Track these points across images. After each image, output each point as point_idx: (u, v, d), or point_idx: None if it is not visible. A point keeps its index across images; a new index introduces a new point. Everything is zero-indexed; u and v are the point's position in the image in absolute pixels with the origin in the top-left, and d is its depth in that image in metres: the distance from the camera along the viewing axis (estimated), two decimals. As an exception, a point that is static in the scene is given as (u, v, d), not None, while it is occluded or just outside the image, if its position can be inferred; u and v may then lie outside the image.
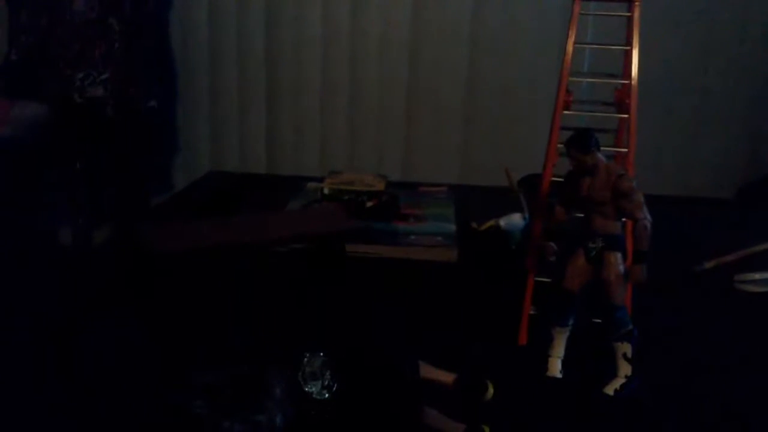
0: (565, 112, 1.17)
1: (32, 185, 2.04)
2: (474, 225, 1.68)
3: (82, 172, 2.16)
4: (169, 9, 2.45)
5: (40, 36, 2.20)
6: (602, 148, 1.07)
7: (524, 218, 1.55)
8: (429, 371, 1.01)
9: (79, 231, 2.02)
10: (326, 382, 0.91)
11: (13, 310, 1.19)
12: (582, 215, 1.08)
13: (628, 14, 1.17)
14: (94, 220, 2.02)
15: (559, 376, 1.05)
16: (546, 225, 1.12)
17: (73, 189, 2.14)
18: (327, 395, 0.91)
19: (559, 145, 1.12)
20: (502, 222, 1.58)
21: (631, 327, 1.02)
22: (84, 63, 2.17)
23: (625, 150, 1.16)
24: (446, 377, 1.00)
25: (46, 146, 2.06)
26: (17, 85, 2.17)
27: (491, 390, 0.98)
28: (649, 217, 1.00)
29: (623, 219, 1.05)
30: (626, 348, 1.02)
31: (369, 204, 1.76)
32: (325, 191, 1.82)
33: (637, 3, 1.15)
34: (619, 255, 1.02)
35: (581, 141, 1.03)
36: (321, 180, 1.90)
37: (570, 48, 1.18)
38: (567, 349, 1.08)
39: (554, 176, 1.17)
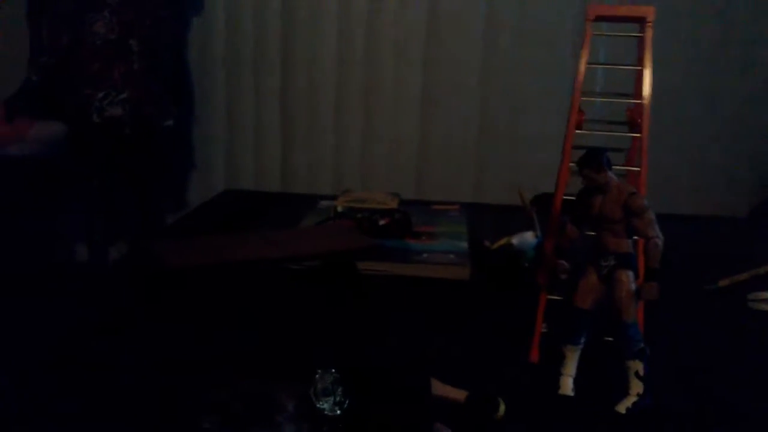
0: (578, 131, 1.18)
1: (50, 202, 2.08)
2: (487, 243, 1.68)
3: (100, 189, 2.19)
4: (187, 30, 2.49)
5: (60, 57, 2.25)
6: (614, 167, 1.07)
7: (537, 236, 1.56)
8: (440, 388, 1.01)
9: (95, 247, 2.05)
10: (338, 399, 0.91)
11: (28, 326, 1.21)
12: (594, 233, 1.08)
13: (640, 35, 1.18)
14: (110, 236, 2.04)
15: (571, 394, 1.05)
16: (558, 243, 1.13)
17: (91, 206, 2.17)
18: (339, 412, 0.91)
19: (571, 164, 1.13)
20: (515, 240, 1.59)
21: (642, 345, 1.02)
22: (103, 83, 2.22)
23: (637, 169, 1.16)
24: (458, 394, 1.00)
25: (64, 164, 2.10)
26: (37, 104, 2.22)
27: (503, 408, 0.97)
28: (660, 235, 1.00)
29: (635, 237, 1.05)
30: (638, 366, 1.02)
31: (382, 222, 1.77)
32: (339, 209, 1.84)
33: (649, 24, 1.16)
34: (630, 273, 1.02)
35: (593, 160, 1.04)
36: (334, 198, 1.92)
37: (582, 68, 1.19)
38: (579, 367, 1.07)
39: (566, 195, 1.17)
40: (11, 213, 1.91)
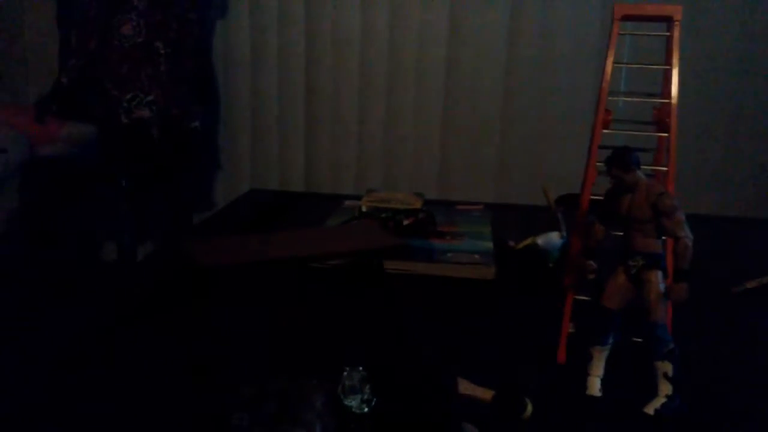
0: (604, 131, 1.18)
1: (80, 201, 2.11)
2: (511, 243, 1.68)
3: (128, 190, 2.22)
4: (212, 33, 2.53)
5: (89, 60, 2.29)
6: (642, 167, 1.07)
7: (562, 237, 1.55)
8: (467, 387, 1.01)
9: (124, 246, 2.08)
10: (365, 397, 0.92)
11: (58, 325, 1.23)
12: (622, 233, 1.08)
13: (667, 34, 1.17)
14: (139, 236, 2.07)
15: (599, 395, 1.04)
16: (585, 243, 1.12)
17: (119, 206, 2.21)
18: (366, 409, 0.92)
19: (598, 164, 1.13)
20: (540, 240, 1.58)
21: (672, 346, 1.01)
22: (131, 85, 2.26)
23: (665, 168, 1.15)
24: (485, 394, 1.01)
25: (93, 164, 2.13)
26: (67, 106, 2.26)
27: (530, 408, 0.97)
28: (690, 235, 1.00)
29: (664, 237, 1.04)
30: (667, 367, 1.01)
31: (406, 222, 1.77)
32: (363, 209, 1.84)
33: (676, 22, 1.15)
34: (659, 273, 1.02)
35: (622, 159, 1.03)
36: (358, 198, 1.93)
37: (609, 68, 1.18)
38: (606, 368, 1.07)
39: (593, 195, 1.17)
40: (42, 212, 1.95)
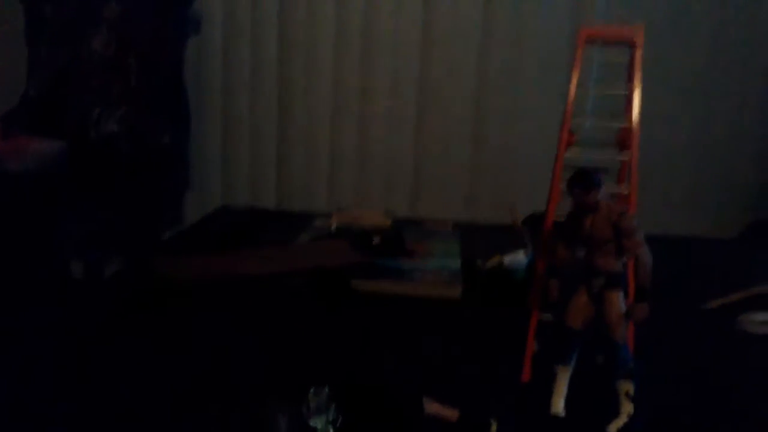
0: (568, 153, 1.20)
1: (46, 218, 2.08)
2: (478, 262, 1.69)
3: (96, 205, 2.19)
4: (183, 49, 2.51)
5: (58, 73, 2.25)
6: (604, 188, 1.09)
7: (528, 256, 1.57)
8: (433, 407, 1.02)
9: (91, 263, 2.05)
10: (331, 417, 0.92)
11: (26, 339, 1.21)
12: (584, 254, 1.09)
13: (628, 59, 1.20)
14: (106, 252, 2.04)
15: (562, 414, 1.06)
16: (549, 263, 1.14)
17: (86, 222, 2.17)
18: (331, 430, 0.91)
19: (563, 185, 1.15)
20: (506, 259, 1.60)
21: (632, 365, 1.03)
22: (100, 99, 2.23)
23: (627, 190, 1.18)
24: (450, 413, 1.01)
25: (61, 180, 2.10)
26: (35, 120, 2.22)
27: (494, 427, 0.98)
28: (650, 255, 1.02)
29: (625, 258, 1.06)
30: (629, 386, 1.03)
31: (375, 240, 1.78)
32: (333, 227, 1.85)
33: (637, 47, 1.18)
34: (620, 293, 1.04)
35: (583, 180, 1.05)
36: (329, 216, 1.93)
37: (573, 90, 1.21)
38: (570, 386, 1.08)
39: (558, 214, 1.18)
40: (10, 228, 1.91)
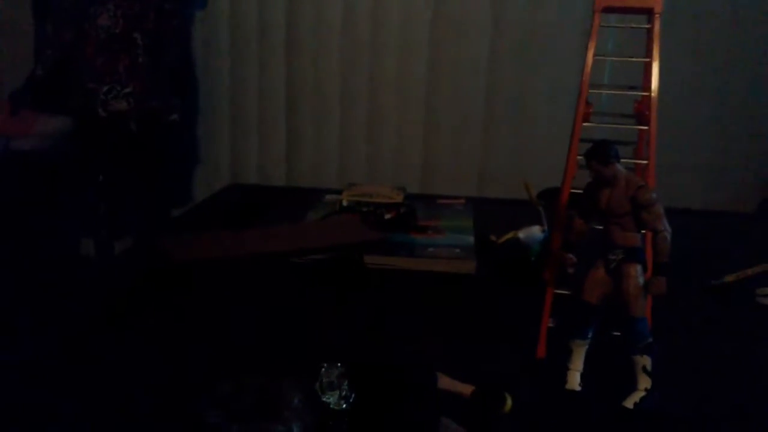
0: (585, 124, 1.17)
1: (55, 196, 2.08)
2: (493, 237, 1.67)
3: (105, 184, 2.19)
4: (191, 24, 2.49)
5: (65, 51, 2.25)
6: (622, 160, 1.06)
7: (543, 231, 1.55)
8: (447, 382, 1.00)
9: (101, 242, 2.05)
10: (344, 393, 0.91)
11: (34, 320, 1.21)
12: (601, 227, 1.07)
13: (648, 26, 1.16)
14: (116, 231, 2.04)
15: (578, 389, 1.04)
16: (565, 237, 1.12)
17: (96, 201, 2.17)
18: (344, 405, 0.90)
19: (579, 157, 1.12)
20: (521, 234, 1.58)
21: (650, 340, 1.01)
22: (108, 77, 2.22)
23: (645, 162, 1.15)
24: (464, 388, 1.00)
25: (69, 158, 2.10)
26: (43, 98, 2.22)
27: (509, 402, 0.97)
28: (669, 228, 0.99)
29: (643, 231, 1.04)
30: (646, 361, 1.01)
31: (387, 216, 1.76)
32: (344, 203, 1.83)
33: (657, 15, 1.15)
34: (639, 267, 1.01)
35: (601, 152, 1.03)
36: (339, 192, 1.91)
37: (590, 60, 1.18)
38: (586, 362, 1.07)
39: (573, 188, 1.16)
40: (18, 207, 1.91)
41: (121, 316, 1.24)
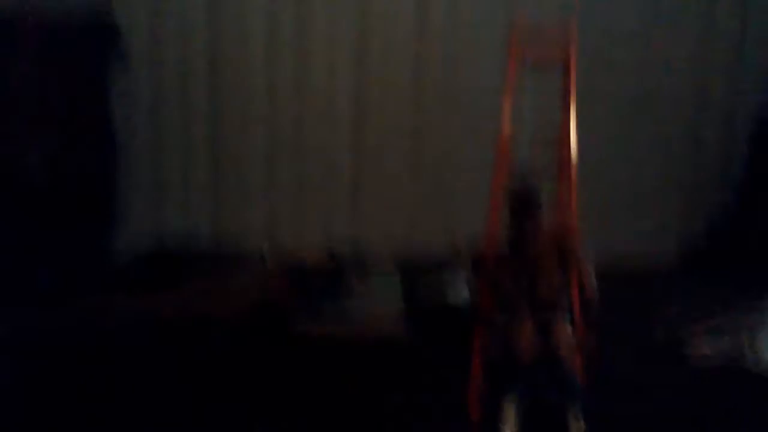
0: (506, 183, 1.16)
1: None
2: (421, 299, 1.64)
3: (20, 244, 2.08)
4: (112, 81, 2.43)
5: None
6: (545, 216, 1.06)
7: (472, 292, 1.53)
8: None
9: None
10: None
11: None
12: (529, 286, 1.06)
13: (563, 85, 1.18)
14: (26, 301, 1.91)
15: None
16: (493, 298, 1.09)
17: (9, 261, 2.05)
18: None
19: (504, 213, 1.11)
20: (450, 297, 1.56)
21: (581, 392, 0.99)
22: (25, 133, 2.18)
23: (568, 217, 1.15)
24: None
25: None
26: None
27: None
28: (595, 284, 0.99)
29: (571, 289, 1.03)
30: (578, 413, 0.98)
31: (315, 278, 1.71)
32: (269, 266, 1.78)
33: (571, 75, 1.17)
34: (567, 324, 1.00)
35: (525, 206, 1.02)
36: (265, 255, 1.86)
37: (507, 114, 1.18)
38: (520, 418, 1.03)
39: (499, 248, 1.14)
40: None
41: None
